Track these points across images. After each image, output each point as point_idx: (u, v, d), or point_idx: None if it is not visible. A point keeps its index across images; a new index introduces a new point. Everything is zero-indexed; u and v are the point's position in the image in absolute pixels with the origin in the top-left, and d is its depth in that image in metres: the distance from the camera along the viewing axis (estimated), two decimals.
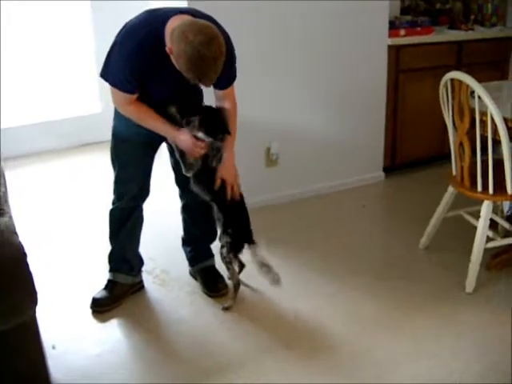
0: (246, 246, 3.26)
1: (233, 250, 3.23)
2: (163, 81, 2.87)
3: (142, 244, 3.46)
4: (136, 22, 2.84)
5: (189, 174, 3.10)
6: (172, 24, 2.67)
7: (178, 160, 3.11)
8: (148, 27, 2.76)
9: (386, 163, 5.01)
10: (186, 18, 2.70)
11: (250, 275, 3.43)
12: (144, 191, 3.27)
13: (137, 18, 2.86)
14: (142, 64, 2.77)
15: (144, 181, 3.24)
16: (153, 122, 2.96)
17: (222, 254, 3.26)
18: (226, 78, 2.89)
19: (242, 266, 3.43)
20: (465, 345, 3.01)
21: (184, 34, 2.55)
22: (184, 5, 3.74)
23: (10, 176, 2.92)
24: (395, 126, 4.93)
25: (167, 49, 2.65)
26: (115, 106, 3.02)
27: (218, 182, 3.10)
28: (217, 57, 2.60)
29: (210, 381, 2.81)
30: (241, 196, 3.24)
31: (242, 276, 3.42)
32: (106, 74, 2.93)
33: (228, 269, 3.31)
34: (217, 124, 3.00)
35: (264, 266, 3.23)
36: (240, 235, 3.23)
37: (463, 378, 2.77)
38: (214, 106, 3.07)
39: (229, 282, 3.46)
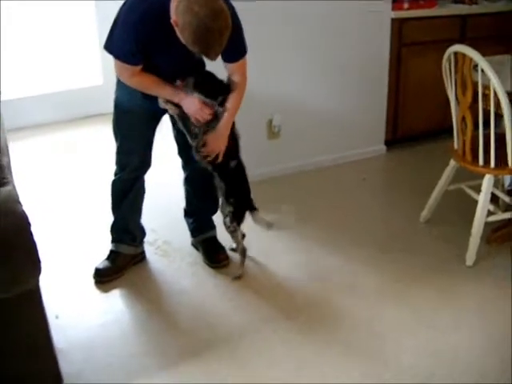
0: (247, 213, 3.28)
1: (236, 218, 3.26)
2: (168, 53, 2.85)
3: (144, 215, 3.47)
4: None
5: (194, 144, 3.11)
6: None
7: (182, 130, 3.11)
8: (155, 1, 2.72)
9: (387, 137, 5.01)
10: None
11: (250, 246, 3.45)
12: (146, 163, 3.28)
13: None
14: (146, 35, 2.75)
15: (146, 152, 3.25)
16: (158, 89, 2.96)
17: (225, 223, 3.29)
18: (232, 51, 2.86)
19: (242, 235, 3.43)
20: (465, 317, 3.03)
21: (190, 7, 2.53)
22: None
23: (11, 148, 2.92)
24: (397, 99, 4.92)
25: (172, 21, 2.63)
26: (118, 77, 3.01)
27: (202, 144, 3.08)
28: (222, 30, 2.59)
29: (212, 351, 2.84)
30: (241, 164, 3.23)
31: None
32: (109, 46, 2.90)
33: (233, 237, 3.35)
34: (215, 85, 3.00)
35: (269, 224, 3.30)
36: (242, 204, 3.26)
37: (463, 351, 2.80)
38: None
39: (230, 253, 3.48)
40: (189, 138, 3.11)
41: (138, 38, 2.75)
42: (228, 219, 3.26)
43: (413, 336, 2.90)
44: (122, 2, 2.86)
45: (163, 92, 2.97)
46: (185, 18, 2.55)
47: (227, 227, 3.30)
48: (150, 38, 2.77)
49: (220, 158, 3.11)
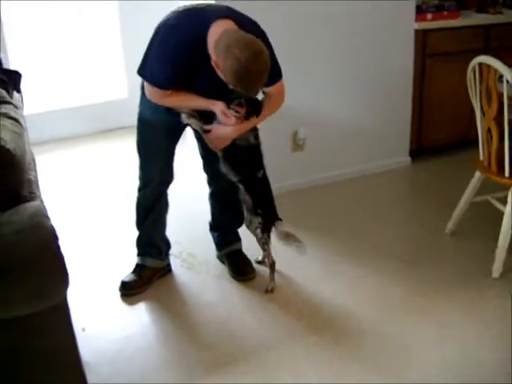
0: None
1: (266, 229, 3.27)
2: (205, 79, 2.87)
3: (170, 228, 3.49)
4: (176, 23, 2.82)
5: (220, 154, 3.11)
6: (215, 31, 2.68)
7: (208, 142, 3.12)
8: (191, 32, 2.75)
9: (412, 148, 4.98)
10: (229, 25, 2.71)
11: (275, 258, 3.43)
12: (168, 177, 3.30)
13: (176, 17, 2.85)
14: (184, 68, 2.80)
15: (168, 167, 3.27)
16: (187, 101, 2.96)
17: (257, 235, 3.30)
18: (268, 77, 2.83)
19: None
20: (490, 331, 3.01)
21: (231, 50, 2.57)
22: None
23: (37, 162, 2.95)
24: (422, 110, 4.90)
25: (213, 62, 2.68)
26: (142, 92, 3.04)
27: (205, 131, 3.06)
28: (263, 71, 2.64)
29: (236, 366, 2.84)
30: (266, 174, 3.24)
31: None
32: (144, 72, 2.92)
33: (264, 249, 3.37)
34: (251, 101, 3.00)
35: (290, 236, 3.29)
36: (269, 213, 3.27)
37: (489, 365, 2.78)
38: None
39: (256, 266, 3.50)
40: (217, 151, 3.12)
41: (175, 71, 2.80)
42: (259, 230, 3.27)
43: (438, 350, 2.88)
44: (151, 23, 2.89)
45: (195, 104, 2.97)
46: (226, 61, 2.60)
47: (259, 239, 3.31)
48: (187, 70, 2.81)
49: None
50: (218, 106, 2.93)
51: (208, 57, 2.72)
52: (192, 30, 2.76)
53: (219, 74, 2.71)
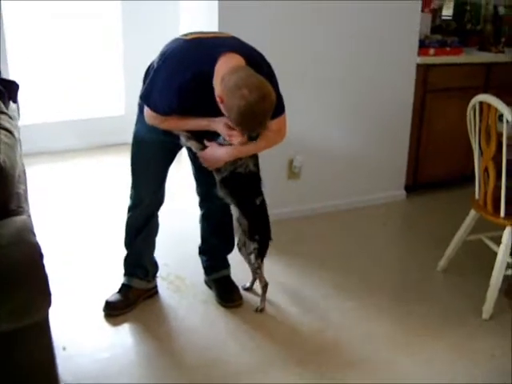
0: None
1: (260, 255, 3.27)
2: (203, 113, 2.88)
3: (158, 249, 3.45)
4: (183, 54, 2.81)
5: (218, 178, 3.09)
6: (223, 65, 2.68)
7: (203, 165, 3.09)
8: (198, 65, 2.75)
9: (407, 182, 4.97)
10: (237, 61, 2.71)
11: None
12: (159, 199, 3.28)
13: (182, 47, 2.84)
14: (188, 99, 2.79)
15: (160, 188, 3.26)
16: (187, 124, 2.95)
17: (249, 261, 3.30)
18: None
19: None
20: (481, 373, 2.96)
21: (240, 90, 2.57)
22: (215, 5, 3.79)
23: (29, 173, 2.92)
24: (419, 145, 4.90)
25: (217, 97, 2.68)
26: (139, 110, 3.03)
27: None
28: (267, 113, 2.66)
29: None
30: (264, 201, 3.23)
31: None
32: (147, 98, 2.89)
33: (256, 273, 3.37)
34: None
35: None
36: (266, 240, 3.28)
37: None
38: None
39: (243, 293, 3.46)
40: (214, 174, 3.10)
41: (179, 102, 2.79)
42: (253, 256, 3.27)
43: None
44: (153, 44, 2.88)
45: (195, 124, 2.94)
46: (233, 100, 2.60)
47: (251, 264, 3.31)
48: (190, 102, 2.81)
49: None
50: (219, 122, 2.88)
51: (212, 89, 2.72)
52: (200, 63, 2.75)
53: (221, 108, 2.70)
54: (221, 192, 3.14)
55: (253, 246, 3.24)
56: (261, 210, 3.24)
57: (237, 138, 2.87)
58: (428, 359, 3.05)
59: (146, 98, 2.90)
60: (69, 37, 5.68)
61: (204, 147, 3.00)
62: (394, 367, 2.98)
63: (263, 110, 2.63)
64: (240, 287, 3.51)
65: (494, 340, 3.18)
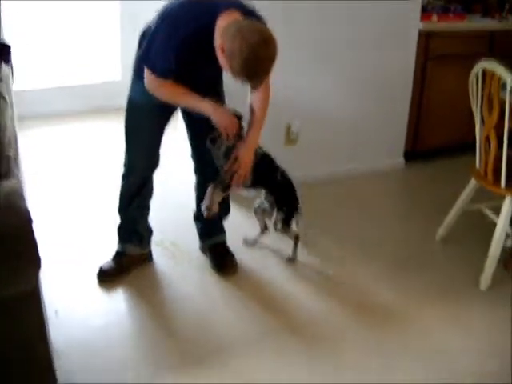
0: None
1: (286, 223, 3.37)
2: (198, 70, 2.89)
3: (153, 215, 3.41)
4: (183, 13, 2.77)
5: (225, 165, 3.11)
6: (223, 21, 2.65)
7: (209, 147, 3.10)
8: (198, 21, 2.71)
9: (407, 150, 4.91)
10: (237, 17, 2.67)
11: (258, 256, 3.43)
12: (154, 163, 3.23)
13: (182, 6, 2.79)
14: (187, 58, 2.76)
15: (154, 153, 3.20)
16: (186, 99, 2.93)
17: (276, 227, 3.39)
18: None
19: (266, 228, 3.61)
20: (475, 344, 2.95)
21: (241, 33, 2.54)
22: None
23: (22, 137, 2.86)
24: (420, 112, 4.83)
25: (217, 46, 2.64)
26: (134, 74, 2.99)
27: (230, 165, 3.08)
28: (270, 59, 2.61)
29: (211, 360, 2.78)
30: (284, 173, 3.35)
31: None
32: (145, 59, 2.85)
33: (285, 234, 3.44)
34: None
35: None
36: (293, 209, 3.37)
37: (470, 379, 2.71)
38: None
39: (238, 260, 3.43)
40: (220, 162, 3.14)
41: (179, 59, 2.75)
42: (279, 224, 3.36)
43: (421, 359, 2.82)
44: (159, 14, 2.81)
45: (192, 102, 2.93)
46: (234, 44, 2.55)
47: (277, 230, 3.40)
48: (190, 59, 2.78)
49: (245, 176, 3.12)
50: (222, 113, 2.94)
51: (211, 49, 2.68)
52: (199, 21, 2.71)
53: (222, 61, 2.65)
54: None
55: (279, 215, 3.34)
56: (284, 183, 3.34)
57: (232, 130, 2.96)
58: (424, 328, 3.04)
59: (144, 59, 2.86)
60: (65, 1, 5.58)
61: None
62: (390, 335, 2.97)
63: (267, 54, 2.58)
64: (284, 258, 3.54)
65: (491, 311, 3.17)
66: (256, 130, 3.08)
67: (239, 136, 3.06)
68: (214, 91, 3.11)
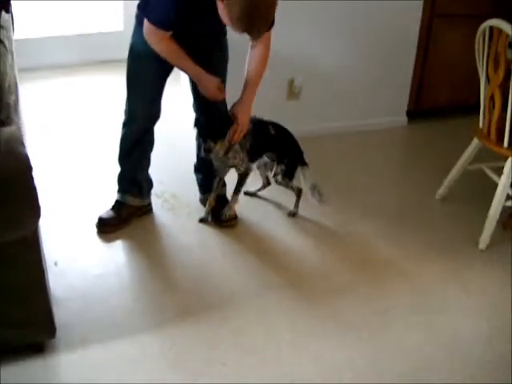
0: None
1: (288, 176, 3.42)
2: (198, 23, 2.86)
3: (154, 166, 3.40)
4: None
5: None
6: None
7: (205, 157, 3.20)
8: None
9: (410, 108, 4.87)
10: None
11: (259, 209, 3.45)
12: (155, 113, 3.21)
13: None
14: (188, 8, 2.74)
15: (156, 103, 3.18)
16: (182, 61, 2.94)
17: (276, 180, 3.44)
18: None
19: (269, 183, 3.64)
20: (472, 303, 2.96)
21: None
22: None
23: (25, 88, 2.84)
24: (424, 70, 4.77)
25: None
26: (137, 23, 2.95)
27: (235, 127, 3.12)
28: (270, 7, 2.58)
29: (209, 312, 2.80)
30: (279, 126, 3.39)
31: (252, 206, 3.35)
32: (145, 9, 2.84)
33: (287, 187, 3.49)
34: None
35: (315, 188, 3.46)
36: (294, 161, 3.42)
37: (465, 337, 2.74)
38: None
39: (239, 213, 3.42)
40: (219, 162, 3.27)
41: (178, 10, 2.72)
42: (280, 177, 3.41)
43: (416, 317, 2.84)
44: None
45: (185, 65, 2.96)
46: None
47: (278, 183, 3.45)
48: (190, 10, 2.76)
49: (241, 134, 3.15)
50: (210, 80, 3.00)
51: (212, 0, 2.63)
52: None
53: (221, 12, 2.62)
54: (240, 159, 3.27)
55: (280, 168, 3.38)
56: (280, 136, 3.38)
57: (216, 97, 3.04)
58: (423, 286, 3.05)
59: (144, 9, 2.84)
60: None
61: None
62: (387, 294, 2.98)
63: (265, 2, 2.54)
64: (285, 215, 3.54)
65: (489, 271, 3.17)
66: (252, 88, 3.10)
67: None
68: (217, 45, 3.10)
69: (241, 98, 3.11)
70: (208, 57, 3.03)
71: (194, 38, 2.94)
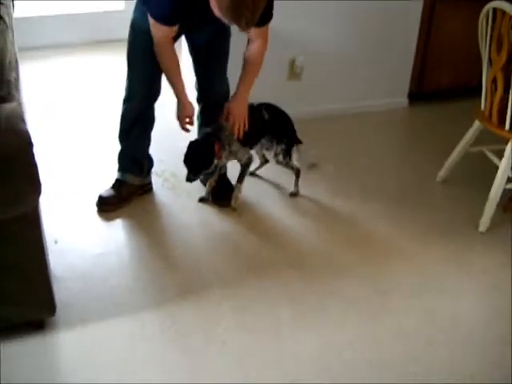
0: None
1: (288, 154, 3.44)
2: (197, 18, 2.88)
3: (154, 145, 3.39)
4: None
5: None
6: None
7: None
8: None
9: (411, 90, 4.85)
10: None
11: (259, 188, 3.47)
12: (156, 91, 3.20)
13: None
14: (182, 5, 2.76)
15: (157, 80, 3.16)
16: (174, 73, 3.01)
17: (277, 160, 3.46)
18: (261, 15, 2.73)
19: (266, 161, 3.69)
20: (470, 284, 2.97)
21: None
22: None
23: (25, 67, 2.82)
24: (426, 52, 4.74)
25: None
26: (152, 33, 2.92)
27: (225, 117, 3.16)
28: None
29: (210, 292, 2.81)
30: (272, 107, 3.40)
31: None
32: (146, 2, 2.87)
33: (287, 167, 3.50)
34: None
35: (312, 165, 3.64)
36: (291, 139, 3.47)
37: (464, 318, 2.75)
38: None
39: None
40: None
41: (174, 6, 2.75)
42: (281, 156, 3.43)
43: (416, 298, 2.84)
44: None
45: (174, 81, 3.03)
46: None
47: (280, 162, 3.47)
48: (185, 8, 2.78)
49: (242, 127, 3.18)
50: (184, 108, 3.09)
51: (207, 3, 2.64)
52: None
53: (212, 2, 2.60)
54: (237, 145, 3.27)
55: (280, 147, 3.40)
56: (274, 117, 3.38)
57: (182, 123, 3.15)
58: (420, 266, 3.06)
59: (145, 1, 2.89)
60: None
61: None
62: (387, 274, 2.99)
63: None
64: (287, 195, 3.55)
65: (489, 254, 3.17)
66: (248, 83, 3.13)
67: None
68: (222, 36, 3.12)
69: (235, 92, 3.15)
70: (209, 43, 3.09)
71: (195, 28, 2.99)
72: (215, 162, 3.16)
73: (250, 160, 3.35)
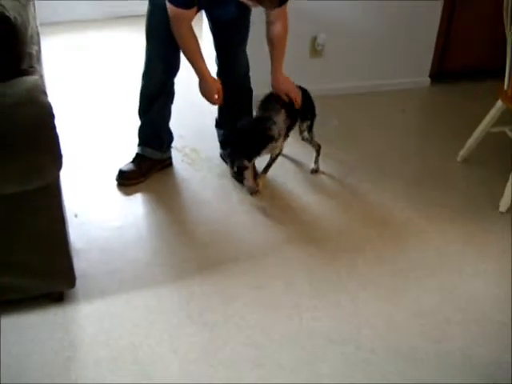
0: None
1: (311, 129, 3.46)
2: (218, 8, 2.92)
3: (175, 120, 3.40)
4: None
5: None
6: None
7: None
8: None
9: (433, 69, 4.81)
10: None
11: (279, 167, 3.44)
12: (175, 65, 3.20)
13: None
14: None
15: (175, 55, 3.15)
16: (195, 55, 3.00)
17: (303, 137, 3.46)
18: None
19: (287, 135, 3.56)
20: (488, 265, 2.94)
21: None
22: None
23: (46, 42, 2.83)
24: (449, 32, 4.68)
25: None
26: (171, 21, 2.91)
27: (285, 98, 3.23)
28: None
29: (228, 266, 2.83)
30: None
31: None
32: None
33: (312, 143, 3.51)
34: None
35: (318, 150, 3.54)
36: (314, 116, 3.47)
37: (481, 299, 2.74)
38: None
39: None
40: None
41: None
42: (306, 133, 3.45)
43: (434, 278, 2.83)
44: None
45: (196, 61, 3.01)
46: None
47: (306, 139, 3.47)
48: None
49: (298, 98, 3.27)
50: (204, 84, 3.08)
51: None
52: None
53: None
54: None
55: (306, 123, 3.41)
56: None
57: (210, 98, 3.15)
58: (440, 247, 3.04)
59: None
60: None
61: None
62: (405, 254, 2.98)
63: None
64: (308, 172, 3.55)
65: (508, 235, 3.13)
66: (280, 62, 3.18)
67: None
68: (242, 10, 3.06)
69: (273, 74, 3.19)
70: (229, 18, 3.06)
71: (214, 4, 2.97)
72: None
73: (280, 152, 3.35)
